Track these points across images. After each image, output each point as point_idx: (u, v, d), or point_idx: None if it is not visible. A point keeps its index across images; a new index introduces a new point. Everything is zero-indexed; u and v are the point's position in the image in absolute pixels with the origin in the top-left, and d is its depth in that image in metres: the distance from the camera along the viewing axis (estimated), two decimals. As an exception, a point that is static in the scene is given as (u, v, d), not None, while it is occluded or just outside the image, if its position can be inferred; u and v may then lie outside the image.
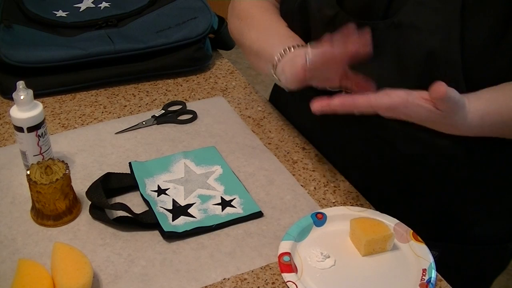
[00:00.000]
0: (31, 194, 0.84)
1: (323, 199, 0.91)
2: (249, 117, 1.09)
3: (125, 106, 1.12)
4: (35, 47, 1.12)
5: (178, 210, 0.87)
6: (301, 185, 0.93)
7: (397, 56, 0.85)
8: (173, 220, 0.85)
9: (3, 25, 1.16)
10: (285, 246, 0.80)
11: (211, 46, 1.26)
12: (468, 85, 0.79)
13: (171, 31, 1.19)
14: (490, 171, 0.93)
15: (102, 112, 1.10)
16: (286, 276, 0.76)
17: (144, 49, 1.16)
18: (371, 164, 0.96)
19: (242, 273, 0.78)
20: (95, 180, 0.89)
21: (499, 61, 0.81)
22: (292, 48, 0.86)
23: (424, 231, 0.83)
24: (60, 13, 1.22)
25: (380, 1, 0.86)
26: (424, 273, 0.76)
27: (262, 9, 1.02)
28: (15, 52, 1.10)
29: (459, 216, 0.96)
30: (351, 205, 0.89)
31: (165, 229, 0.83)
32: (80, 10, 1.24)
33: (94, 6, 1.25)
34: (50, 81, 1.13)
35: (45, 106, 1.11)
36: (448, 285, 0.78)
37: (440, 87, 0.70)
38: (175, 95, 1.16)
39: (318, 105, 0.76)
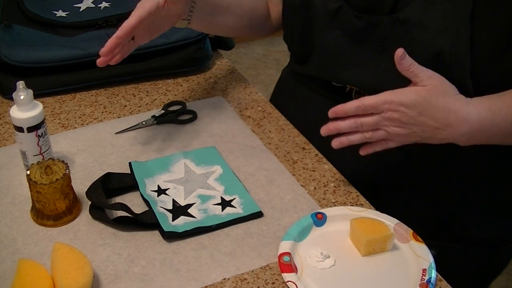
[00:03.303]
0: (31, 194, 0.84)
1: (323, 199, 0.91)
2: (249, 117, 1.09)
3: (125, 106, 1.12)
4: (35, 47, 1.12)
5: (178, 210, 0.87)
6: (301, 185, 0.93)
7: None
8: (173, 220, 0.85)
9: (3, 25, 1.16)
10: (285, 246, 0.80)
11: (211, 46, 1.26)
12: (475, 87, 0.78)
13: (171, 31, 1.18)
14: (488, 174, 0.93)
15: (102, 112, 1.10)
16: (286, 276, 0.76)
17: (144, 49, 1.16)
18: (371, 164, 0.95)
19: (242, 273, 0.78)
20: (95, 180, 0.89)
21: (507, 63, 0.80)
22: None
23: (423, 230, 0.83)
24: (60, 13, 1.22)
25: None
26: (424, 273, 0.76)
27: None
28: (15, 52, 1.10)
29: (457, 218, 0.96)
30: (351, 205, 0.89)
31: (165, 229, 0.83)
32: (80, 10, 1.24)
33: (94, 6, 1.25)
34: (50, 81, 1.13)
35: (45, 106, 1.11)
36: (448, 285, 0.78)
37: (399, 50, 0.76)
38: (175, 95, 1.16)
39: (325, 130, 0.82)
